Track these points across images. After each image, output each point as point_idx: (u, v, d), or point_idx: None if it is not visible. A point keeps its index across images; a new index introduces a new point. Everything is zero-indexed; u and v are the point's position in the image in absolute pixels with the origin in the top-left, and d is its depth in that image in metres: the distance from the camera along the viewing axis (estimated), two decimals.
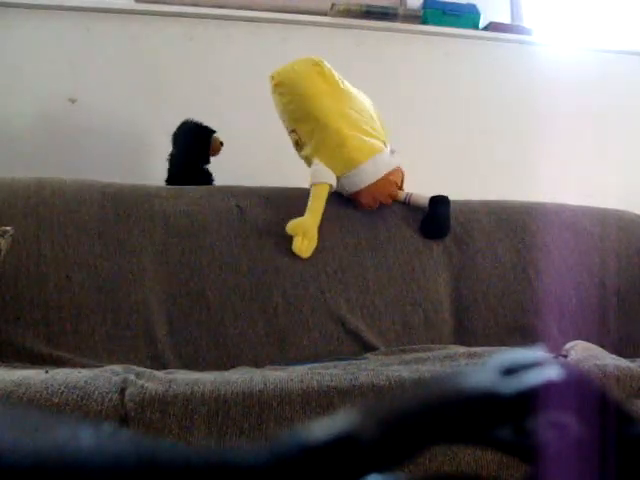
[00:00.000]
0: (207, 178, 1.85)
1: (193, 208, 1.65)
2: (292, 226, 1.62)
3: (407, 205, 1.77)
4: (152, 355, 1.44)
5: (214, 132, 1.85)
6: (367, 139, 1.69)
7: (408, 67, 2.39)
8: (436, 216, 1.74)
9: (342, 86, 1.74)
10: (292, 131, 1.73)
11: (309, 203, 1.66)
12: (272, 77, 1.73)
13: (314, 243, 1.64)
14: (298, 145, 1.74)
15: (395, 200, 1.77)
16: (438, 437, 0.29)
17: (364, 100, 1.78)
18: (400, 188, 1.78)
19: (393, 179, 1.73)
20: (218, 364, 1.44)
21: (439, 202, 1.75)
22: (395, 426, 0.28)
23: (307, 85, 1.69)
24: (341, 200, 1.75)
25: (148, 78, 2.20)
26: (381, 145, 1.72)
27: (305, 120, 1.69)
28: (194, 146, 1.83)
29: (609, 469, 0.28)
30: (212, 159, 1.86)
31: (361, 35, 2.35)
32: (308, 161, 1.74)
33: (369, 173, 1.68)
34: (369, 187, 1.69)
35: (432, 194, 1.77)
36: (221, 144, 1.85)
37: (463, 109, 2.42)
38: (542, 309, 1.68)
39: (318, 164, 1.67)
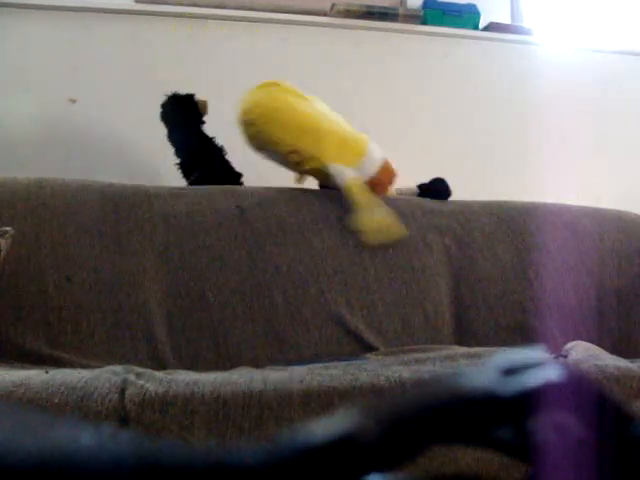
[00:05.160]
0: (209, 141, 1.85)
1: (193, 208, 1.65)
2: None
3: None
4: (152, 355, 1.44)
5: (193, 95, 1.85)
6: (351, 132, 1.75)
7: (408, 67, 2.39)
8: (434, 183, 1.84)
9: (306, 95, 1.75)
10: (292, 152, 1.69)
11: (356, 201, 1.66)
12: (243, 115, 1.69)
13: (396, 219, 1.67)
14: (299, 164, 1.73)
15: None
16: (438, 438, 0.29)
17: (316, 103, 1.79)
18: None
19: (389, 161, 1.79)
20: (218, 364, 1.44)
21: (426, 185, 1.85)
22: (395, 427, 0.28)
23: (285, 105, 1.70)
24: (340, 199, 1.75)
25: (148, 78, 2.20)
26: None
27: (303, 134, 1.68)
28: (183, 114, 1.84)
29: (609, 469, 0.28)
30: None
31: (361, 35, 2.35)
32: (317, 172, 1.74)
33: (377, 154, 1.74)
34: (382, 168, 1.74)
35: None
36: (205, 102, 1.86)
37: (463, 109, 2.42)
38: (542, 309, 1.68)
39: (335, 167, 1.67)
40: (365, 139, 1.74)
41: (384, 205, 1.67)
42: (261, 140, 1.71)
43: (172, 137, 1.84)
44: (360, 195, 1.65)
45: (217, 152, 1.87)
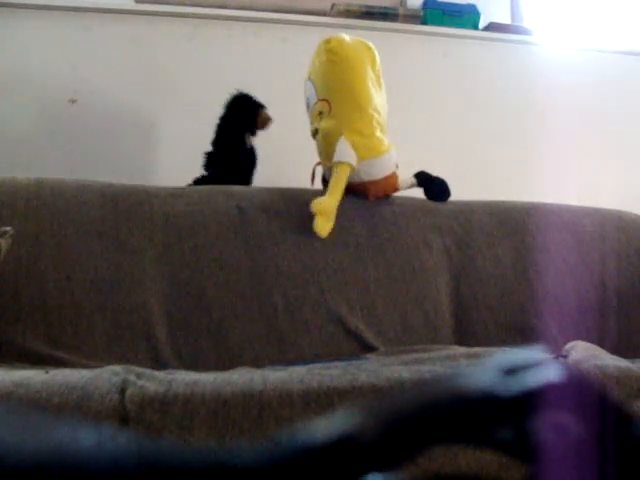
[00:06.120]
0: (250, 151, 1.87)
1: (193, 208, 1.64)
2: (315, 205, 1.63)
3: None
4: (152, 355, 1.44)
5: (263, 107, 1.87)
6: (384, 136, 1.75)
7: (408, 67, 2.39)
8: (434, 181, 1.84)
9: (380, 80, 1.78)
10: (323, 100, 1.72)
11: (331, 182, 1.67)
12: (328, 41, 1.73)
13: (332, 224, 1.65)
14: (320, 116, 1.73)
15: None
16: (438, 438, 0.29)
17: (384, 98, 1.81)
18: None
19: (397, 174, 1.79)
20: (218, 364, 1.44)
21: (424, 174, 1.85)
22: (395, 427, 0.28)
23: (360, 67, 1.72)
24: (341, 199, 1.75)
25: (148, 78, 2.20)
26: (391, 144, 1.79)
27: (345, 96, 1.70)
28: (239, 115, 1.86)
29: (609, 470, 0.28)
30: None
31: (361, 35, 2.34)
32: (325, 138, 1.72)
33: (388, 165, 1.74)
34: (385, 178, 1.74)
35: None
36: (269, 119, 1.87)
37: (463, 109, 2.42)
38: (542, 309, 1.68)
39: (345, 143, 1.67)
40: (389, 145, 1.75)
41: (336, 201, 1.67)
42: (317, 71, 1.74)
43: (219, 126, 1.86)
44: (341, 181, 1.66)
45: (251, 160, 1.88)
